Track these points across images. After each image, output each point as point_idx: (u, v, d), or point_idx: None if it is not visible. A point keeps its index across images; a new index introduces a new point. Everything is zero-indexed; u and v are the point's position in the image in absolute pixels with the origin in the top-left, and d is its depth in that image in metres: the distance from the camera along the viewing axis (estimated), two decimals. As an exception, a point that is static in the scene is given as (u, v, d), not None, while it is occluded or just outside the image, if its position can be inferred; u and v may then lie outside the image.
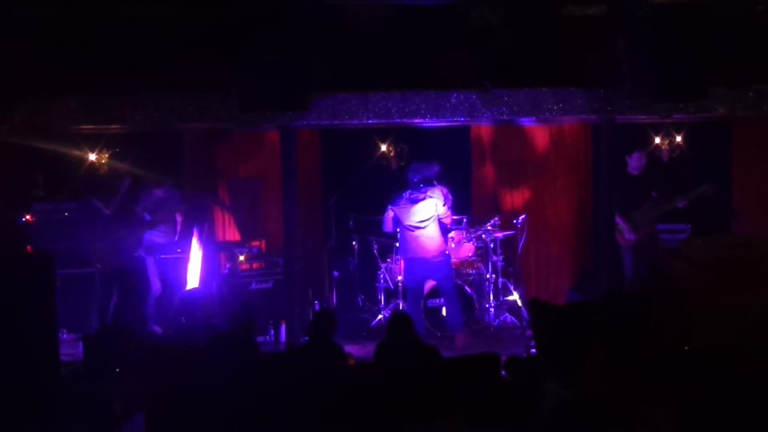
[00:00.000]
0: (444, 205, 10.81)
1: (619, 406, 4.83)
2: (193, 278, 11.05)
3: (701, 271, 8.03)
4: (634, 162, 11.44)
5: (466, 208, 12.38)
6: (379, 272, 12.13)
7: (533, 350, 8.72)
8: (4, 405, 8.03)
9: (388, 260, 12.09)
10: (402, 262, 11.29)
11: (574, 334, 6.26)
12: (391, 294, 12.01)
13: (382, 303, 12.03)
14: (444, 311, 11.14)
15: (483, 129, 12.63)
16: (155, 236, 11.40)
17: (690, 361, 4.97)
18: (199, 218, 11.47)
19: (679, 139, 12.45)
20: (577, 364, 5.81)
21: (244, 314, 8.36)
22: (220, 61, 9.82)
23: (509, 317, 11.87)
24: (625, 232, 11.29)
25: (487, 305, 11.86)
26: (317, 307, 11.67)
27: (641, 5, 9.53)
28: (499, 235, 11.95)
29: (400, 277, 11.84)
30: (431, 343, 8.22)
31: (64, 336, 11.05)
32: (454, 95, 10.39)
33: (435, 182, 10.88)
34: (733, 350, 4.70)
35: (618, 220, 11.19)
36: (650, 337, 6.19)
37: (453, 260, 11.44)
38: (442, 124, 10.90)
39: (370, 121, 10.52)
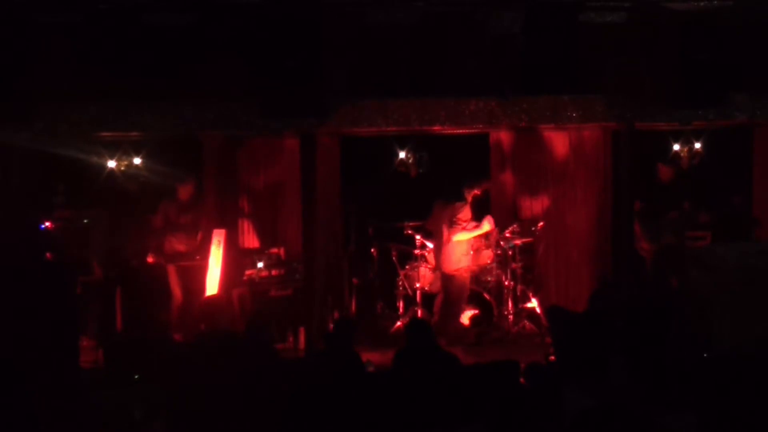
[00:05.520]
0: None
1: (640, 413, 4.80)
2: (212, 285, 11.07)
3: (722, 278, 8.01)
4: (661, 173, 11.43)
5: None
6: (398, 279, 12.14)
7: (552, 357, 8.70)
8: (24, 412, 8.06)
9: (407, 267, 12.09)
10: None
11: (594, 342, 6.23)
12: (410, 301, 12.01)
13: (401, 310, 12.03)
14: None
15: (502, 136, 12.60)
16: (176, 243, 11.45)
17: (711, 368, 4.94)
18: (219, 225, 11.50)
19: (698, 145, 12.38)
20: (597, 372, 5.79)
21: (262, 320, 8.37)
22: (240, 69, 9.86)
23: (528, 324, 11.84)
24: (642, 241, 11.22)
25: (506, 312, 11.85)
26: (337, 315, 11.66)
27: (661, 12, 9.52)
28: (518, 242, 11.93)
29: (418, 284, 11.86)
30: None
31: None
32: (474, 102, 10.38)
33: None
34: (754, 357, 4.68)
35: (636, 229, 11.15)
36: (671, 345, 6.17)
37: (472, 267, 11.49)
38: (462, 131, 10.90)
39: (389, 128, 10.53)
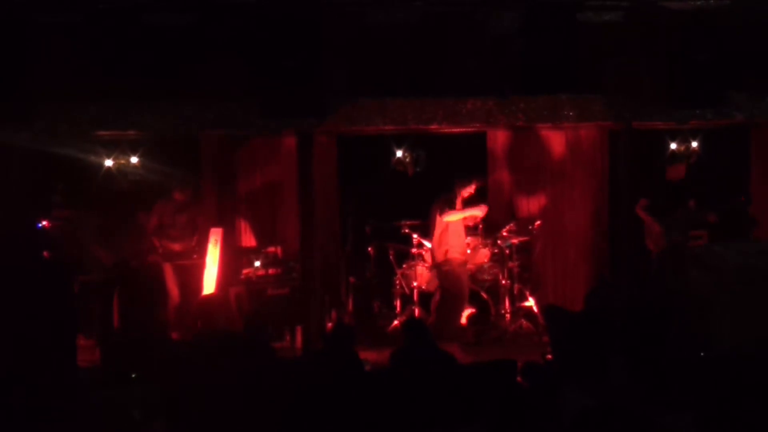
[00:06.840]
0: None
1: (640, 413, 4.82)
2: (209, 283, 11.08)
3: (722, 278, 8.03)
4: (670, 172, 11.49)
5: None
6: (395, 278, 12.15)
7: (549, 356, 8.71)
8: (22, 410, 8.06)
9: (404, 266, 12.10)
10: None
11: (592, 341, 6.25)
12: (407, 300, 12.02)
13: (398, 309, 12.04)
14: None
15: (499, 135, 12.61)
16: (172, 243, 11.46)
17: (711, 368, 4.96)
18: (216, 224, 11.51)
19: (695, 145, 12.39)
20: (595, 371, 5.80)
21: (260, 320, 8.38)
22: (240, 69, 9.87)
23: (525, 323, 11.84)
24: (657, 237, 11.24)
25: (503, 311, 11.86)
26: (334, 317, 11.65)
27: (659, 11, 9.54)
28: (515, 241, 11.94)
29: (415, 283, 11.87)
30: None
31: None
32: (471, 101, 10.39)
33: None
34: (754, 357, 4.70)
35: (653, 224, 11.19)
36: (671, 345, 6.19)
37: (469, 266, 11.51)
38: (459, 130, 10.91)
39: (387, 127, 10.54)
